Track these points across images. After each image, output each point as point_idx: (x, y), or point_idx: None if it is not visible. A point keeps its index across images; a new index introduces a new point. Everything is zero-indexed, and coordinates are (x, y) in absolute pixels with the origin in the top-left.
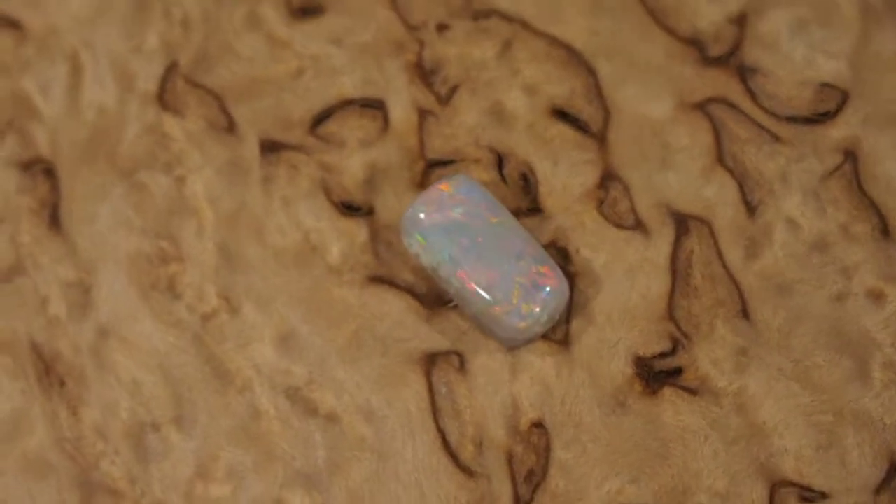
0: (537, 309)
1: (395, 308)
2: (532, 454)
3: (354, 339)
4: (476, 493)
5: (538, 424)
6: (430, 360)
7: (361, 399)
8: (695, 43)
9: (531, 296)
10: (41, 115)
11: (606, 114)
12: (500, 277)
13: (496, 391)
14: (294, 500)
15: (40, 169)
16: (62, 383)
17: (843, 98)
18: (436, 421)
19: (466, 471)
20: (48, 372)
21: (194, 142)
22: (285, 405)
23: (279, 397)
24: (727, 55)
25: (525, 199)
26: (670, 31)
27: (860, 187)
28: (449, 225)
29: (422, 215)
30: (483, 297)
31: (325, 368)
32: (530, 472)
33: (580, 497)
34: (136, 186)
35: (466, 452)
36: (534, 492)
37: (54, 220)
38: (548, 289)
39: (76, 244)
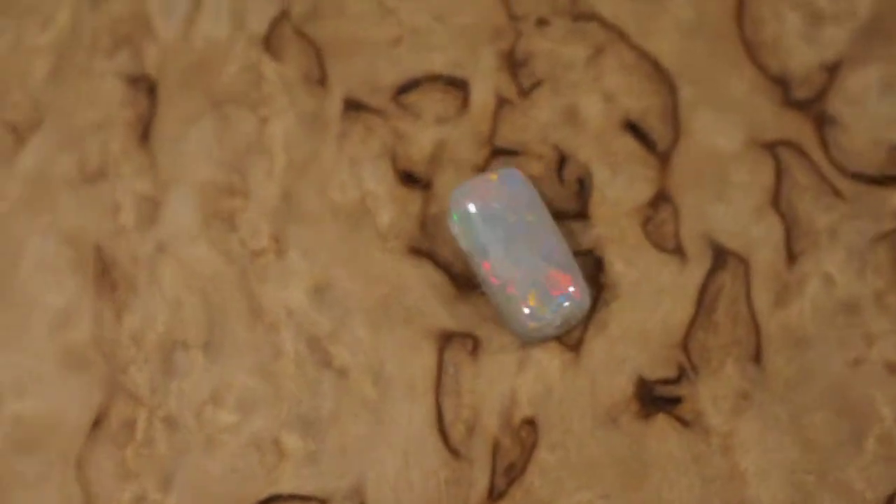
0: (550, 314)
1: (427, 282)
2: (517, 448)
3: (383, 302)
4: (456, 474)
5: (530, 421)
6: (446, 339)
7: (374, 360)
8: (781, 82)
9: (547, 300)
10: (156, 36)
11: (676, 135)
12: (522, 276)
13: (500, 381)
14: (289, 442)
15: (145, 86)
16: (114, 287)
17: None
18: (436, 397)
19: (452, 450)
20: (104, 274)
21: (286, 87)
22: (304, 351)
23: (301, 343)
24: (810, 101)
25: (576, 203)
26: (760, 66)
27: None
28: (487, 214)
29: (466, 200)
30: (502, 291)
31: (348, 325)
32: (510, 466)
33: (551, 500)
34: (223, 118)
35: (457, 433)
36: (509, 485)
37: (145, 136)
38: (564, 297)
39: (158, 161)
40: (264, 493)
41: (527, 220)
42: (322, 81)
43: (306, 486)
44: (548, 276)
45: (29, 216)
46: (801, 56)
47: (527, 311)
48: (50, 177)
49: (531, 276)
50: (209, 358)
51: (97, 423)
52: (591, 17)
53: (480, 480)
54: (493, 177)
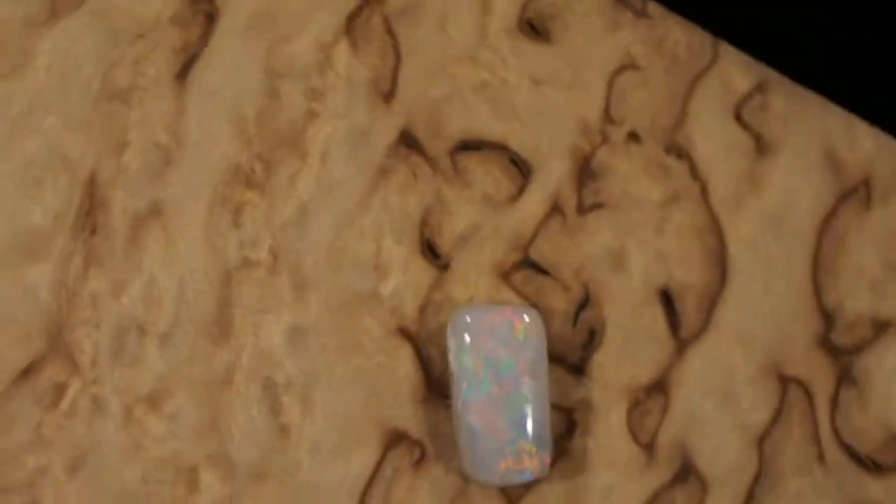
0: (504, 475)
1: (401, 370)
2: None
3: (350, 373)
4: None
5: None
6: (396, 439)
7: (318, 431)
8: (828, 317)
9: (516, 470)
10: None
11: (701, 329)
12: (499, 433)
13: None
14: (206, 477)
15: (203, 9)
16: (93, 231)
17: None
18: (363, 495)
19: None
20: (89, 213)
21: (349, 86)
22: (256, 391)
23: (256, 380)
24: (846, 352)
25: (578, 355)
26: (818, 296)
27: None
28: (486, 356)
29: (468, 328)
30: (466, 441)
31: (308, 382)
32: None
33: None
34: (273, 90)
35: None
36: None
37: (183, 73)
38: (529, 473)
39: (187, 109)
40: None
41: (523, 380)
42: (388, 98)
43: None
44: (522, 446)
45: (42, 109)
46: (856, 299)
47: (496, 471)
48: (67, 74)
49: (506, 437)
50: (161, 353)
51: (25, 375)
52: (682, 154)
53: None
54: (516, 323)
